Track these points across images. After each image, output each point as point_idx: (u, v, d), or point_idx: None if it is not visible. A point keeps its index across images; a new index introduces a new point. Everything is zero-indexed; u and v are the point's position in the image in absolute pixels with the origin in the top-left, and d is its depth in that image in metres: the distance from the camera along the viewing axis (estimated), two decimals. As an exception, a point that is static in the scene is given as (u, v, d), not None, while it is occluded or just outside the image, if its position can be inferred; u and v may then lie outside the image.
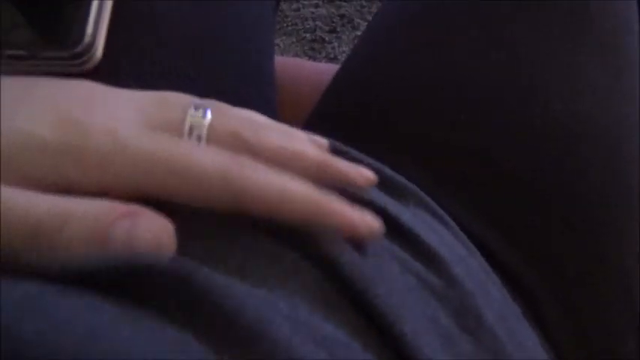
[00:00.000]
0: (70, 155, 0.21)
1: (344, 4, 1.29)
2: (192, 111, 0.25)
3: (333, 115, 0.44)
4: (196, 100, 0.26)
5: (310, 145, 0.25)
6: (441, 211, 0.30)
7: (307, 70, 0.62)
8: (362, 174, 0.25)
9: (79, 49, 0.31)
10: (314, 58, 1.22)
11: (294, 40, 1.26)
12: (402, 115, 0.39)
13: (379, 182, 0.29)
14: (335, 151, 0.30)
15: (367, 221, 0.23)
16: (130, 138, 0.22)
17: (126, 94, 0.26)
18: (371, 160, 0.31)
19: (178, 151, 0.22)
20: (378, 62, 0.43)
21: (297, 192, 0.22)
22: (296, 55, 1.24)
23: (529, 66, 0.38)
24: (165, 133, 0.23)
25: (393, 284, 0.23)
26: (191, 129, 0.24)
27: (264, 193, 0.22)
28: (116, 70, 0.38)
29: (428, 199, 0.30)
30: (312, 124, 0.46)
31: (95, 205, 0.21)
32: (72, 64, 0.31)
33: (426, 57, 0.40)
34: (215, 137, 0.24)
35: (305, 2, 1.31)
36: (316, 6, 1.30)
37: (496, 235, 0.33)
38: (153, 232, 0.20)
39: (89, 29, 0.31)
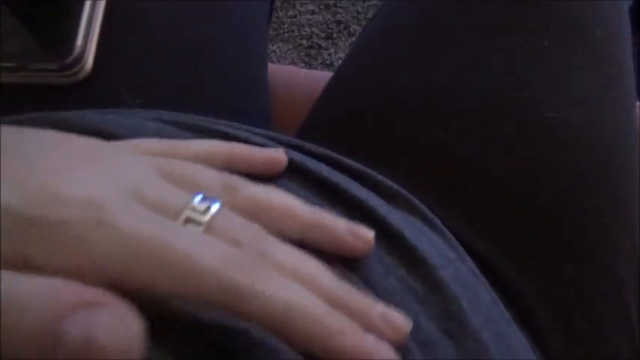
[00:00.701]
0: (35, 227, 0.18)
1: (340, 10, 1.29)
2: (195, 203, 0.21)
3: (327, 122, 0.44)
4: (213, 181, 0.23)
5: (324, 271, 0.22)
6: (431, 216, 0.30)
7: (302, 78, 0.62)
8: (376, 310, 0.21)
9: (68, 60, 0.31)
10: (310, 65, 1.23)
11: (291, 46, 1.26)
12: (395, 122, 0.39)
13: (370, 186, 0.29)
14: (326, 159, 0.30)
15: (382, 350, 0.19)
16: (115, 213, 0.19)
17: (124, 156, 0.23)
18: (361, 167, 0.31)
19: (173, 239, 0.19)
20: (373, 69, 0.43)
21: (306, 309, 0.19)
22: (292, 61, 1.24)
23: (521, 75, 0.38)
24: (157, 214, 0.20)
25: (375, 288, 0.23)
26: (190, 220, 0.21)
27: (267, 304, 0.19)
28: (108, 80, 0.38)
29: (418, 203, 0.30)
30: (306, 130, 0.46)
31: (43, 286, 0.16)
32: (62, 76, 0.31)
33: (420, 65, 0.40)
34: (218, 232, 0.21)
35: (301, 9, 1.31)
36: (312, 12, 1.30)
37: (487, 241, 0.33)
38: (118, 331, 0.15)
39: (79, 41, 0.31)
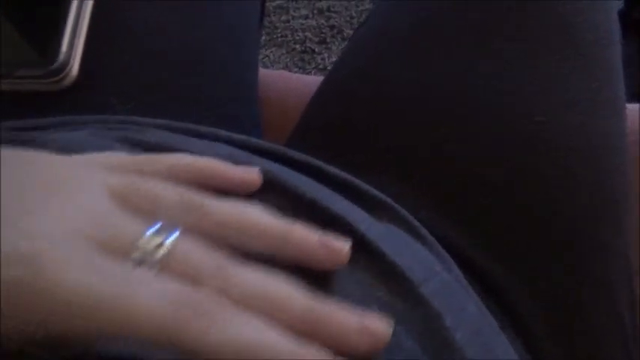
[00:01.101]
0: None
1: (333, 15, 1.29)
2: (148, 237, 0.20)
3: (318, 126, 0.44)
4: (175, 202, 0.22)
5: (295, 292, 0.20)
6: (416, 225, 0.29)
7: (294, 82, 0.62)
8: (352, 325, 0.20)
9: (54, 67, 0.30)
10: (304, 69, 1.22)
11: (284, 51, 1.26)
12: (386, 126, 0.39)
13: (353, 197, 0.29)
14: (310, 168, 0.30)
15: None
16: (55, 268, 0.18)
17: (80, 181, 0.22)
18: (346, 177, 0.30)
19: (116, 291, 0.18)
20: (364, 73, 0.43)
21: (269, 348, 0.18)
22: (286, 66, 1.24)
23: (511, 79, 0.38)
24: (106, 255, 0.19)
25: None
26: (142, 259, 0.20)
27: (222, 349, 0.18)
28: (96, 86, 0.38)
29: (404, 213, 0.30)
30: (297, 135, 0.45)
31: None
32: (48, 82, 0.31)
33: (411, 69, 0.40)
34: (173, 268, 0.20)
35: (294, 14, 1.31)
36: (306, 17, 1.30)
37: (478, 245, 0.33)
38: None
39: (64, 47, 0.31)
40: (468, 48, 0.39)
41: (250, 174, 0.26)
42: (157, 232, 0.20)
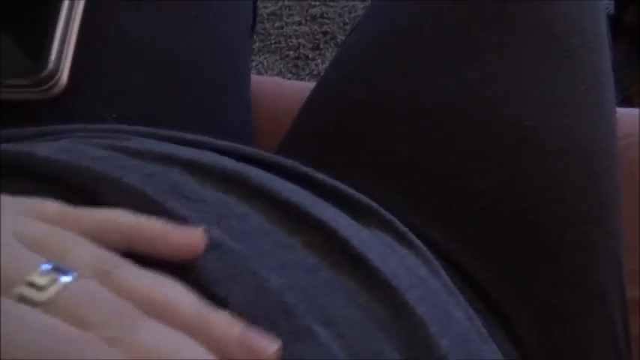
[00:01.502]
0: None
1: (327, 21, 1.30)
2: (38, 273, 0.19)
3: (309, 132, 0.44)
4: (83, 260, 0.20)
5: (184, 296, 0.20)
6: (403, 231, 0.29)
7: (286, 89, 0.62)
8: (241, 342, 0.19)
9: (42, 75, 0.30)
10: (298, 75, 1.23)
11: (278, 57, 1.26)
12: (377, 132, 0.39)
13: (339, 203, 0.29)
14: (296, 174, 0.30)
15: None
16: None
17: None
18: (333, 183, 0.30)
19: None
20: (355, 78, 0.43)
21: None
22: (280, 72, 1.24)
23: (500, 84, 0.38)
24: None
25: (335, 318, 0.22)
26: (27, 294, 0.18)
27: None
28: (85, 94, 0.38)
29: (390, 218, 0.30)
30: (289, 141, 0.46)
31: None
32: (37, 91, 0.31)
33: (401, 75, 0.40)
34: (62, 308, 0.18)
35: (288, 20, 1.31)
36: (299, 24, 1.31)
37: (469, 253, 0.33)
38: None
39: (53, 54, 0.31)
40: (456, 53, 0.40)
41: (191, 237, 0.23)
42: (52, 270, 0.19)
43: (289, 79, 1.22)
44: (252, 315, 0.21)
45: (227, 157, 0.30)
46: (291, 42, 1.28)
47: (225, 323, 0.20)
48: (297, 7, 1.33)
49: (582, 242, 0.35)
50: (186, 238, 0.23)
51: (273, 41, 1.28)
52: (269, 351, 0.19)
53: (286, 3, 1.33)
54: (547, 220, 0.35)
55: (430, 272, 0.28)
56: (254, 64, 1.25)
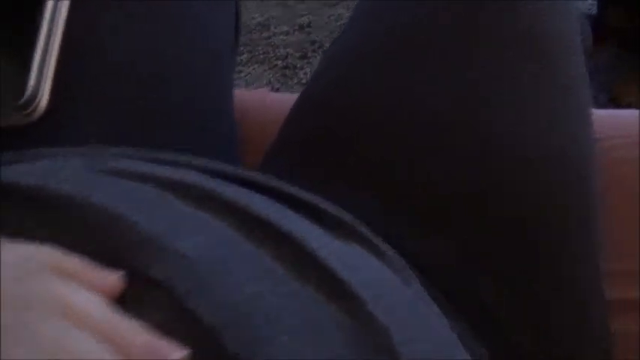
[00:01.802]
0: None
1: (314, 30, 1.30)
2: None
3: (295, 140, 0.45)
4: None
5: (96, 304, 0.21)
6: (377, 243, 0.30)
7: (271, 101, 0.62)
8: (146, 350, 0.20)
9: (21, 102, 0.30)
10: (286, 85, 1.23)
11: (266, 67, 1.27)
12: (362, 140, 0.40)
13: (313, 215, 0.29)
14: (269, 188, 0.31)
15: None
16: None
17: None
18: (307, 196, 0.31)
19: None
20: (339, 85, 0.43)
21: None
22: (269, 82, 1.24)
23: (478, 89, 0.38)
24: None
25: (303, 330, 0.23)
26: None
27: None
28: (66, 114, 0.38)
29: (364, 229, 0.30)
30: (276, 150, 0.46)
31: None
32: (17, 117, 0.31)
33: (383, 84, 0.41)
34: None
35: (275, 30, 1.32)
36: (287, 33, 1.31)
37: (449, 261, 0.34)
38: None
39: (32, 80, 0.31)
40: (436, 61, 0.40)
41: (104, 280, 0.23)
42: None
43: (278, 88, 1.23)
44: (221, 325, 0.22)
45: (202, 174, 0.31)
46: (279, 52, 1.29)
47: (132, 330, 0.21)
48: (285, 17, 1.33)
49: (561, 247, 0.35)
50: (99, 280, 0.23)
51: (261, 51, 1.29)
52: (172, 357, 0.21)
53: (273, 13, 1.33)
54: (526, 226, 0.35)
55: (403, 282, 0.28)
56: (242, 74, 1.25)
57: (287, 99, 0.61)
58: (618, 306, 0.42)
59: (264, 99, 0.63)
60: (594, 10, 1.06)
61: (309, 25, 1.31)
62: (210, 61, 0.49)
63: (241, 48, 1.28)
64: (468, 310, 0.33)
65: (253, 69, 1.26)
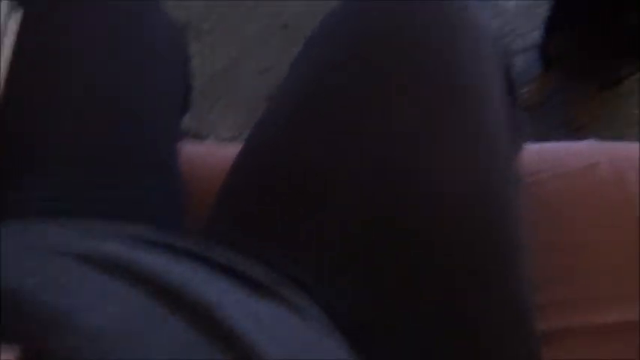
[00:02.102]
0: None
1: (278, 72, 1.33)
2: None
3: (228, 198, 0.46)
4: None
5: None
6: (294, 301, 0.31)
7: (221, 154, 0.64)
8: None
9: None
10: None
11: (231, 112, 1.29)
12: (285, 199, 0.41)
13: (233, 278, 0.31)
14: (194, 255, 0.32)
15: None
16: None
17: None
18: (229, 259, 0.32)
19: None
20: (271, 142, 0.45)
21: None
22: (234, 123, 1.27)
23: (392, 143, 0.39)
24: None
25: None
26: None
27: None
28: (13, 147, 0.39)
29: (285, 290, 0.32)
30: (215, 209, 0.47)
31: None
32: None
33: (306, 141, 0.43)
34: None
35: (240, 72, 1.35)
36: (251, 77, 1.34)
37: (367, 313, 0.35)
38: None
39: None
40: (354, 117, 0.41)
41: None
42: None
43: (244, 132, 1.25)
44: None
45: (125, 243, 0.32)
46: (244, 95, 1.31)
47: None
48: (250, 61, 1.36)
49: (476, 289, 0.36)
50: None
51: (225, 96, 1.31)
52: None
53: (237, 56, 1.36)
54: (438, 266, 0.37)
55: (320, 338, 0.29)
56: (209, 118, 1.28)
57: (234, 153, 0.63)
58: (546, 336, 0.44)
59: (214, 153, 0.65)
60: (539, 40, 1.11)
61: (273, 67, 1.34)
62: (154, 119, 0.51)
63: (205, 93, 1.31)
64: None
65: (218, 113, 1.28)
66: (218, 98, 1.31)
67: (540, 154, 0.60)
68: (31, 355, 0.23)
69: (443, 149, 0.39)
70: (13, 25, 0.38)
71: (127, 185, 0.46)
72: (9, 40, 0.37)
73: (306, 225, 0.39)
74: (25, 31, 0.40)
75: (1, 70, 0.37)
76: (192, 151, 0.64)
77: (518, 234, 0.41)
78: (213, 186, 0.53)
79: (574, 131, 1.13)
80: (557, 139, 1.10)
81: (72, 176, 0.43)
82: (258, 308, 0.30)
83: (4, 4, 0.39)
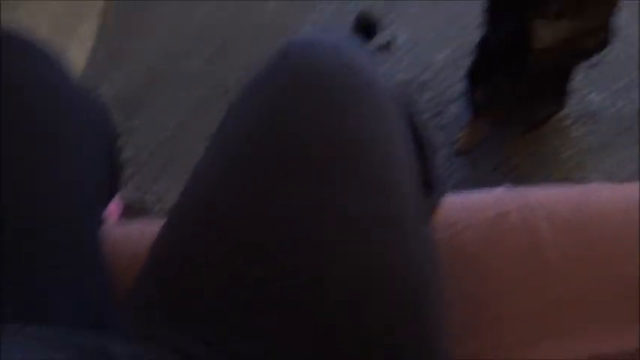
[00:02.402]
0: None
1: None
2: None
3: (150, 282, 0.47)
4: None
5: None
6: None
7: (149, 231, 0.64)
8: None
9: None
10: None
11: (175, 181, 1.30)
12: (205, 279, 0.42)
13: None
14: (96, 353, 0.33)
15: None
16: None
17: None
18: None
19: None
20: (190, 217, 0.46)
21: None
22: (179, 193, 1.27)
23: (298, 220, 0.41)
24: None
25: None
26: None
27: None
28: None
29: None
30: (135, 288, 0.47)
31: None
32: None
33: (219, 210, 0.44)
34: None
35: (184, 141, 1.36)
36: (196, 143, 1.36)
37: None
38: None
39: None
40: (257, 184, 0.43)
41: None
42: None
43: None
44: None
45: (34, 345, 0.32)
46: (190, 162, 1.32)
47: None
48: (194, 128, 1.38)
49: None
50: None
51: (170, 164, 1.32)
52: None
53: (177, 123, 1.38)
54: (352, 342, 0.38)
55: None
56: (152, 192, 1.28)
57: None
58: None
59: (142, 230, 0.66)
60: (464, 90, 1.16)
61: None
62: (77, 208, 0.52)
63: (149, 164, 1.32)
64: None
65: (163, 184, 1.29)
66: (163, 168, 1.32)
67: (458, 205, 0.62)
68: None
69: (348, 215, 0.41)
70: None
71: (50, 277, 0.46)
72: None
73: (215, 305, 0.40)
74: None
75: None
76: (118, 231, 0.64)
77: (431, 289, 0.43)
78: (137, 261, 0.53)
79: (508, 172, 1.17)
80: (492, 181, 1.15)
81: None
82: None
83: None
